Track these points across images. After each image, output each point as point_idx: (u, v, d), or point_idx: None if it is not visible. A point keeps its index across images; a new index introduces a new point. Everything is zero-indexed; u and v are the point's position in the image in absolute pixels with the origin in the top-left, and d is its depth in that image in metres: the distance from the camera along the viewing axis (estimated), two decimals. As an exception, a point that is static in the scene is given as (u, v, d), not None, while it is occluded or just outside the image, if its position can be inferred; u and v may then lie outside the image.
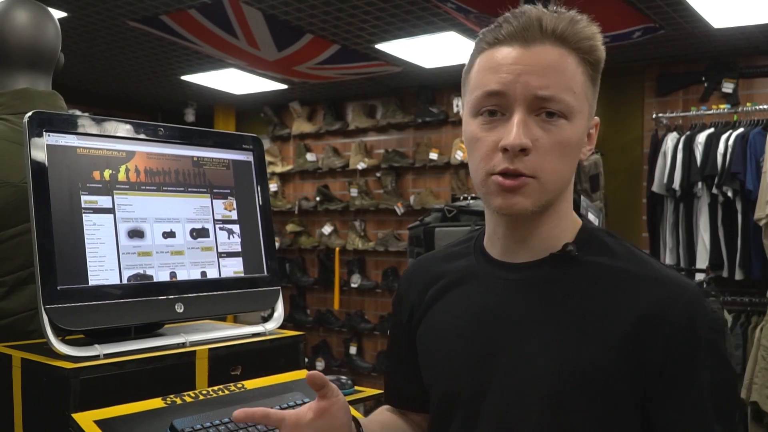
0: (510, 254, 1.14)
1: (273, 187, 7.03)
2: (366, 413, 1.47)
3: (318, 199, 6.82)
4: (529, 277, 1.12)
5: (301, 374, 1.53)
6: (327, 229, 6.81)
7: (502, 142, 1.03)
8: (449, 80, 5.94)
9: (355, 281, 6.53)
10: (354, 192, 6.57)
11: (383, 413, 1.37)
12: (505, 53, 1.06)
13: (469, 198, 3.60)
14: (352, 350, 6.60)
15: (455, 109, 6.07)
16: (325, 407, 1.10)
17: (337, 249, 6.69)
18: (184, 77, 6.01)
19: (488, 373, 1.11)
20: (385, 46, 4.93)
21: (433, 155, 6.13)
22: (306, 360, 2.54)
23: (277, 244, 3.64)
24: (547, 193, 1.06)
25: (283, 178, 7.17)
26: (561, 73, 1.04)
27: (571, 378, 1.04)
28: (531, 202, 1.06)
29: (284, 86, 6.25)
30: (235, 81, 6.08)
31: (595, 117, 1.14)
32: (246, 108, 7.41)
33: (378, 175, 6.49)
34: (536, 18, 1.05)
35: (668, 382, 1.02)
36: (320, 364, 6.57)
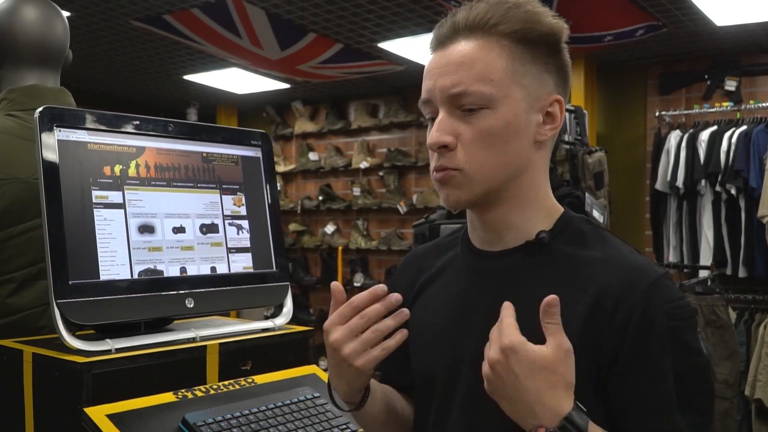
0: (488, 243, 1.16)
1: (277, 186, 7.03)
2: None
3: (320, 198, 6.82)
4: (499, 266, 1.13)
5: (310, 369, 1.53)
6: (330, 229, 6.81)
7: (427, 142, 1.09)
8: (452, 79, 5.94)
9: (358, 280, 6.53)
10: (356, 191, 6.57)
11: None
12: (429, 61, 1.12)
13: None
14: (355, 349, 6.60)
15: (458, 108, 6.07)
16: None
17: (340, 248, 6.69)
18: (186, 77, 6.01)
19: (457, 362, 1.13)
20: (387, 45, 4.93)
21: (436, 154, 6.12)
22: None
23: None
24: (478, 183, 1.07)
25: (286, 177, 7.18)
26: (471, 65, 1.06)
27: None
28: (464, 193, 1.08)
29: (287, 86, 6.26)
30: (237, 80, 6.09)
31: (554, 95, 1.10)
32: (248, 107, 7.41)
33: (380, 174, 6.49)
34: (451, 18, 1.10)
35: (623, 369, 1.02)
36: (324, 363, 6.57)
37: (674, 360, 1.01)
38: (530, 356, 0.96)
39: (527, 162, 1.10)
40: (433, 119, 1.10)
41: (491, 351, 0.98)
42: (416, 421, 1.25)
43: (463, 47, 1.07)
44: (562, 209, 1.16)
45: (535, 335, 1.02)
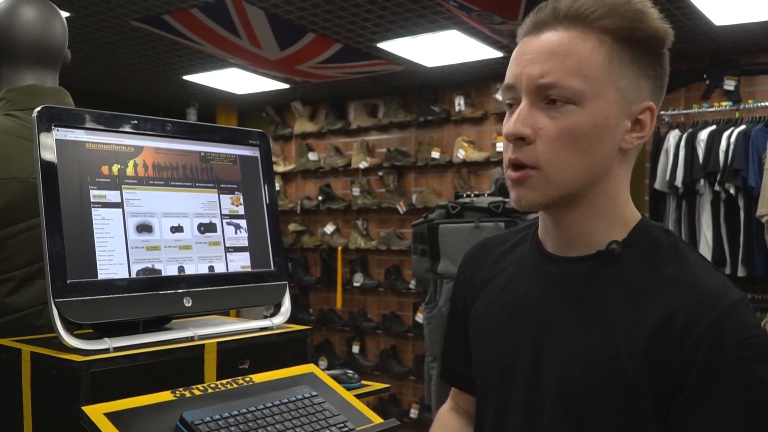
0: (560, 248, 1.11)
1: (275, 186, 7.03)
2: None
3: (320, 198, 6.82)
4: (567, 272, 1.08)
5: (308, 368, 1.53)
6: (329, 229, 6.81)
7: (503, 132, 1.04)
8: (451, 79, 5.95)
9: (358, 280, 6.54)
10: (356, 191, 6.57)
11: (442, 417, 1.39)
12: (521, 45, 1.06)
13: (473, 195, 3.61)
14: (355, 349, 6.61)
15: (457, 108, 6.08)
16: None
17: (340, 248, 6.70)
18: (186, 77, 6.02)
19: (512, 366, 1.11)
20: (387, 45, 4.94)
21: (435, 154, 6.13)
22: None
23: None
24: (556, 185, 1.02)
25: (286, 177, 7.18)
26: (566, 56, 0.99)
27: (582, 378, 1.02)
28: (539, 195, 1.03)
29: (286, 86, 6.26)
30: (237, 81, 6.09)
31: (647, 101, 1.05)
32: (248, 108, 7.42)
33: (380, 174, 6.49)
34: (553, 3, 1.03)
35: (690, 398, 0.96)
36: (323, 363, 6.57)
37: (744, 392, 0.94)
38: None
39: (609, 169, 1.05)
40: (512, 106, 1.05)
41: None
42: (477, 420, 1.23)
43: (560, 36, 1.01)
44: (639, 217, 1.10)
45: (595, 348, 1.01)
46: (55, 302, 1.24)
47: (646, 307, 1.00)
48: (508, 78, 1.05)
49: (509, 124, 1.02)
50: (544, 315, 1.09)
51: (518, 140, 1.01)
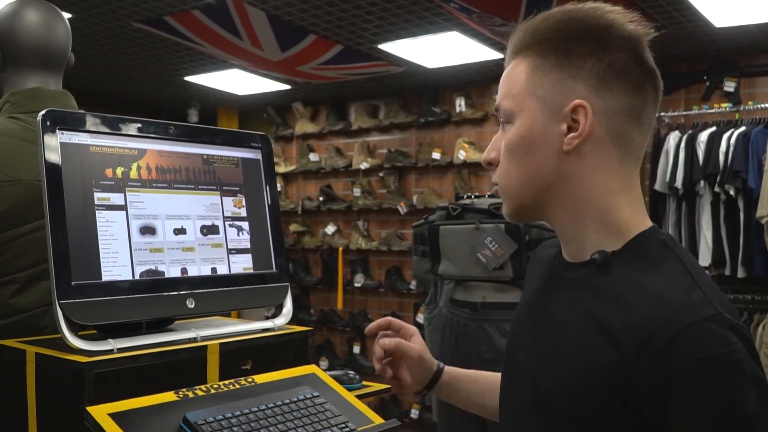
0: (566, 254, 1.13)
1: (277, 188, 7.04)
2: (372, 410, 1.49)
3: (321, 199, 6.84)
4: (566, 277, 1.11)
5: (310, 369, 1.55)
6: (330, 229, 6.82)
7: None
8: (452, 80, 5.96)
9: (359, 281, 6.55)
10: (357, 192, 6.58)
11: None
12: None
13: (473, 196, 3.61)
14: (356, 349, 6.62)
15: (458, 109, 6.09)
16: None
17: (341, 249, 6.71)
18: (187, 78, 6.03)
19: (512, 365, 1.18)
20: (387, 47, 4.95)
21: (436, 155, 6.14)
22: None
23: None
24: (511, 195, 1.11)
25: (287, 178, 7.20)
26: (503, 83, 1.11)
27: (552, 388, 1.04)
28: (506, 207, 1.13)
29: (287, 87, 6.27)
30: (238, 82, 6.10)
31: (576, 100, 1.02)
32: (249, 109, 7.43)
33: (381, 174, 6.51)
34: (511, 37, 1.13)
35: (649, 415, 0.92)
36: (324, 363, 6.59)
37: (703, 415, 0.88)
38: None
39: (558, 173, 1.05)
40: None
41: None
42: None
43: (511, 66, 1.11)
44: (643, 228, 1.06)
45: (561, 357, 1.04)
46: (59, 303, 1.25)
47: (613, 316, 0.98)
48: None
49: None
50: (538, 316, 1.14)
51: (488, 165, 1.13)
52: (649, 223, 1.07)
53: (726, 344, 0.89)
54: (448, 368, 1.46)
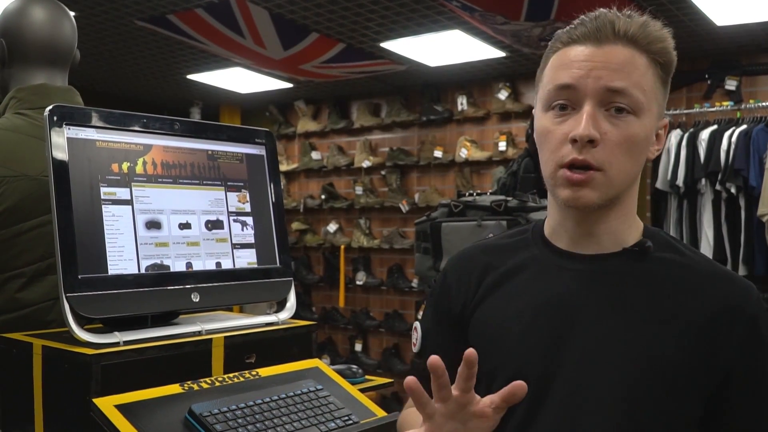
0: (578, 246, 1.17)
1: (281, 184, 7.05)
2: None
3: (323, 197, 6.85)
4: (598, 269, 1.14)
5: (313, 363, 1.56)
6: (332, 227, 6.84)
7: (572, 132, 1.08)
8: (454, 78, 5.97)
9: (360, 279, 6.56)
10: (359, 190, 6.60)
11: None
12: (578, 51, 1.11)
13: (475, 194, 3.63)
14: (358, 347, 6.63)
15: (460, 108, 6.10)
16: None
17: (342, 247, 6.72)
18: (190, 76, 6.04)
19: (556, 361, 1.12)
20: (390, 45, 4.96)
21: (438, 153, 6.15)
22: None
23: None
24: (613, 187, 1.10)
25: (289, 176, 7.21)
26: (631, 70, 1.08)
27: (641, 373, 1.07)
28: (597, 195, 1.09)
29: (289, 85, 6.28)
30: (240, 80, 6.11)
31: (664, 118, 1.17)
32: (251, 107, 7.44)
33: (383, 173, 6.52)
34: (610, 20, 1.11)
35: (738, 380, 1.06)
36: (326, 361, 6.59)
37: None
38: None
39: (639, 174, 1.16)
40: (563, 107, 1.11)
41: None
42: None
43: (624, 52, 1.09)
44: (641, 221, 1.21)
45: (648, 342, 1.07)
46: (66, 297, 1.27)
47: (685, 298, 1.10)
48: (567, 78, 1.10)
49: (581, 127, 1.07)
50: (581, 312, 1.13)
51: (588, 142, 1.07)
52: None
53: None
54: None
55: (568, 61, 1.11)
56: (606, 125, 1.07)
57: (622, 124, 1.08)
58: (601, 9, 1.13)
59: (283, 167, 7.04)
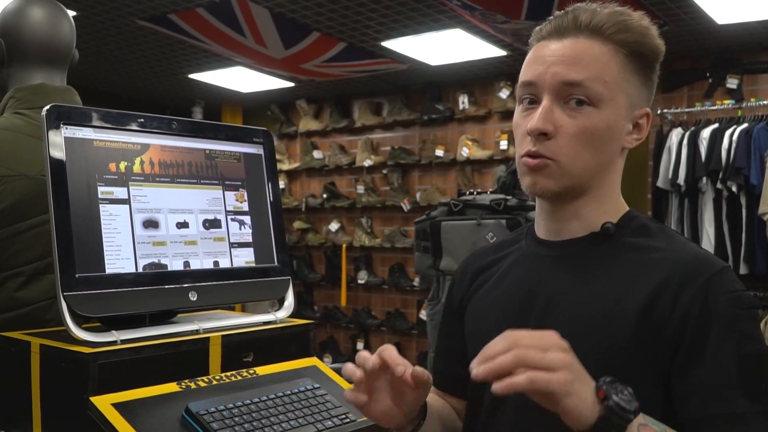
0: (553, 233, 1.20)
1: (280, 184, 7.06)
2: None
3: (325, 196, 6.85)
4: (566, 253, 1.18)
5: (311, 361, 1.56)
6: (334, 226, 6.84)
7: (526, 126, 1.12)
8: (455, 77, 5.97)
9: (362, 277, 6.57)
10: (360, 189, 6.60)
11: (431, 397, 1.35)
12: (542, 47, 1.15)
13: (475, 193, 3.63)
14: (359, 346, 6.64)
15: (461, 107, 6.10)
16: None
17: (344, 246, 6.72)
18: (191, 75, 6.05)
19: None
20: (391, 44, 4.96)
21: (439, 152, 6.16)
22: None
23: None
24: (568, 176, 1.12)
25: (290, 175, 7.21)
26: (590, 62, 1.10)
27: (594, 356, 1.05)
28: (553, 183, 1.12)
29: (291, 84, 6.29)
30: (242, 79, 6.12)
31: (646, 108, 1.17)
32: (253, 106, 7.45)
33: (384, 172, 6.52)
34: (573, 13, 1.13)
35: (685, 357, 1.04)
36: (327, 359, 6.60)
37: (737, 347, 1.02)
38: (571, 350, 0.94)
39: (611, 164, 1.17)
40: (531, 101, 1.14)
41: (557, 356, 0.91)
42: (467, 419, 1.27)
43: (583, 43, 1.12)
44: (627, 208, 1.22)
45: (600, 320, 1.08)
46: (64, 296, 1.27)
47: (639, 275, 1.10)
48: (529, 75, 1.14)
49: (533, 121, 1.11)
50: (547, 295, 1.15)
51: (541, 135, 1.11)
52: (627, 206, 1.22)
53: (745, 289, 1.08)
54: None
55: (533, 58, 1.15)
56: (563, 118, 1.10)
57: (580, 116, 1.10)
58: (580, 3, 1.15)
59: (285, 166, 7.05)
